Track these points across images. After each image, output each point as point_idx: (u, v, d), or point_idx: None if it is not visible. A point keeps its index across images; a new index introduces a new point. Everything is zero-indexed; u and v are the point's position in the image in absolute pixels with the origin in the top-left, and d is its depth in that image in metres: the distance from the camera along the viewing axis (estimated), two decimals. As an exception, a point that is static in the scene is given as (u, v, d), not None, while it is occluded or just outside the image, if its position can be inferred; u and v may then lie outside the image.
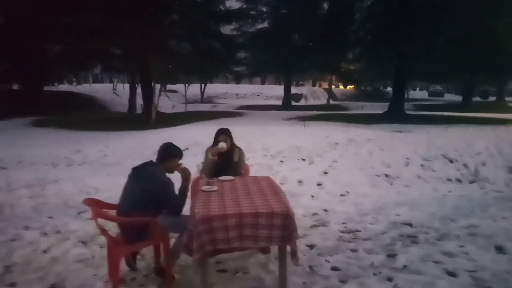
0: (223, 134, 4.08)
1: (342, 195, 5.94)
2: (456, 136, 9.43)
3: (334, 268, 3.46)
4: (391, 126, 12.50)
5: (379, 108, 20.42)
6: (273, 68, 29.52)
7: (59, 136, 11.78)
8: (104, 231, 3.11)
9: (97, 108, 24.41)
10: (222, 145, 3.94)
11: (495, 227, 4.33)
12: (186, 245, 2.70)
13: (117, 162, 7.95)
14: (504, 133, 9.77)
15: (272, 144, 8.10)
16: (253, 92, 40.93)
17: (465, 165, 7.29)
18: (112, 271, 3.03)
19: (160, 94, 17.48)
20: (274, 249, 3.38)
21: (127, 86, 22.99)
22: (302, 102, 35.60)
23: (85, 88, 31.07)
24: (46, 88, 22.11)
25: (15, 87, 22.31)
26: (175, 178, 3.34)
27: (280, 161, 7.26)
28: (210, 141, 4.34)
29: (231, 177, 3.67)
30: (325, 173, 6.83)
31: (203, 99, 34.88)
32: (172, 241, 3.26)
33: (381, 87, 46.09)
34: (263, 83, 53.71)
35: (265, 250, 3.66)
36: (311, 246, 3.94)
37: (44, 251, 3.87)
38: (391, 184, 6.58)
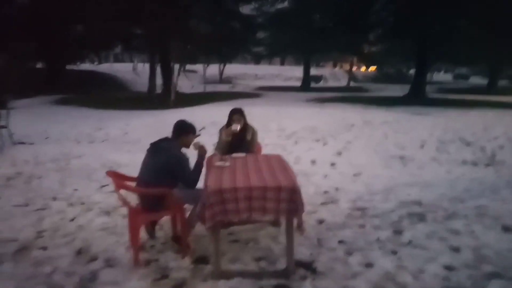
0: (237, 113, 4.23)
1: (354, 175, 6.05)
2: (475, 119, 9.34)
3: (340, 242, 3.62)
4: (411, 108, 12.40)
5: (400, 90, 20.07)
6: (292, 49, 29.25)
7: (81, 114, 12.19)
8: (125, 201, 3.34)
9: (118, 87, 24.89)
10: (235, 127, 4.09)
11: (504, 208, 4.38)
12: (199, 215, 2.90)
13: (137, 140, 8.24)
14: (525, 117, 9.60)
15: (287, 125, 8.22)
16: (272, 73, 40.70)
17: (482, 149, 7.26)
18: (132, 238, 3.27)
19: (179, 74, 17.67)
20: (284, 222, 3.56)
21: (147, 65, 23.25)
22: (322, 83, 35.31)
23: (106, 67, 31.56)
24: (69, 67, 22.61)
25: (39, 66, 22.90)
26: (192, 155, 3.54)
27: (295, 142, 7.40)
28: (226, 121, 4.49)
29: (243, 154, 3.84)
30: (339, 153, 6.93)
31: (222, 80, 34.93)
32: (188, 213, 3.48)
33: (404, 69, 45.04)
34: (282, 64, 53.25)
35: (276, 223, 3.84)
36: (320, 221, 4.11)
37: (71, 220, 4.17)
38: (404, 165, 6.63)
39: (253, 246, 3.55)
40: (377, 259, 3.25)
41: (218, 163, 3.51)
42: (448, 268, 3.10)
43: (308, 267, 3.16)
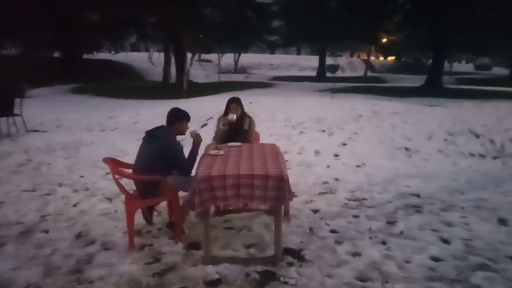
0: (234, 102, 4.28)
1: (357, 166, 6.05)
2: (488, 111, 9.15)
3: (332, 231, 3.67)
4: (424, 99, 12.22)
5: (418, 81, 19.69)
6: (307, 38, 28.95)
7: (95, 102, 12.45)
8: (121, 187, 3.46)
9: (134, 76, 25.20)
10: (232, 116, 4.15)
11: (504, 201, 4.35)
12: (189, 201, 2.99)
13: (146, 129, 8.33)
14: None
15: (294, 115, 8.23)
16: (287, 62, 40.46)
17: (491, 141, 7.14)
18: (128, 222, 3.39)
19: (191, 64, 17.77)
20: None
21: (163, 55, 23.45)
22: (338, 73, 34.88)
23: (122, 56, 31.94)
24: (85, 56, 22.97)
25: (56, 55, 23.33)
26: (189, 143, 3.63)
27: (300, 132, 7.41)
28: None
29: (238, 144, 3.90)
30: (344, 144, 6.92)
31: (236, 69, 34.95)
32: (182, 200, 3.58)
33: (424, 59, 44.05)
34: (298, 53, 52.82)
35: (271, 212, 3.91)
36: (315, 211, 4.16)
37: (74, 205, 4.33)
38: (409, 157, 6.58)
39: (245, 233, 3.63)
40: (365, 248, 3.29)
41: (212, 152, 3.59)
42: (435, 259, 3.13)
43: (296, 254, 3.22)
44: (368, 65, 40.16)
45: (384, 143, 7.02)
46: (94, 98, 13.86)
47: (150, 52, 33.97)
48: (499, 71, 39.45)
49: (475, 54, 36.15)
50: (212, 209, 4.02)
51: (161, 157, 3.36)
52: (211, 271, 2.96)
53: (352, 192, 4.78)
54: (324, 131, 7.45)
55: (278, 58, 42.41)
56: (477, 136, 7.33)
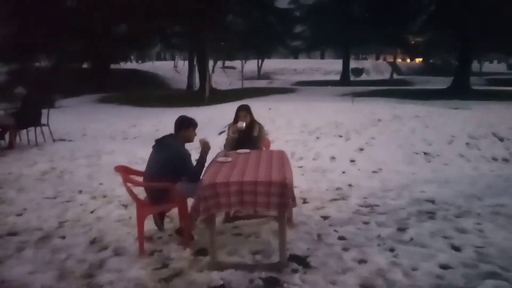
0: (243, 110, 4.35)
1: (373, 172, 5.97)
2: (515, 113, 8.82)
3: (340, 238, 3.65)
4: (449, 102, 11.87)
5: (446, 82, 19.14)
6: (330, 42, 28.85)
7: (120, 111, 12.84)
8: (132, 194, 3.58)
9: (159, 85, 25.80)
10: (241, 124, 4.21)
11: (524, 207, 4.19)
12: (194, 208, 3.06)
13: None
14: None
15: (311, 121, 8.22)
16: (311, 67, 40.34)
17: (516, 144, 6.88)
18: (138, 228, 3.50)
19: (213, 71, 18.05)
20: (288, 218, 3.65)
21: (187, 63, 23.95)
22: (363, 76, 34.45)
23: (148, 66, 32.78)
24: (113, 66, 23.74)
25: (85, 66, 24.23)
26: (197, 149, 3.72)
27: (317, 137, 7.39)
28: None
29: (247, 150, 3.96)
30: (361, 149, 6.85)
31: (260, 75, 35.16)
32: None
33: (453, 60, 42.84)
34: (322, 57, 52.55)
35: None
36: (324, 217, 4.14)
37: (92, 212, 4.50)
38: (429, 162, 6.44)
39: (253, 239, 3.67)
40: (372, 255, 3.26)
41: (220, 159, 3.66)
42: (444, 266, 3.06)
43: (302, 261, 3.23)
44: (394, 68, 39.45)
45: (403, 147, 6.90)
46: (119, 107, 14.29)
47: (175, 60, 34.70)
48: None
49: (505, 53, 34.85)
50: (222, 215, 4.10)
51: (169, 165, 3.46)
52: (216, 277, 3.01)
53: (365, 198, 4.73)
54: (341, 136, 7.40)
55: (302, 63, 42.35)
56: (501, 140, 7.09)
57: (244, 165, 3.46)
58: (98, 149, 7.48)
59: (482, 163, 6.33)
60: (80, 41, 19.66)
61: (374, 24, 20.55)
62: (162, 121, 10.14)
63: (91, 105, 14.97)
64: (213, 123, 9.01)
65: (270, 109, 9.93)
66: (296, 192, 4.75)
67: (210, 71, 17.67)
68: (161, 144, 3.59)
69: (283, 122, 8.40)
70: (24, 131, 8.03)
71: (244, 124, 4.22)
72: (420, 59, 46.28)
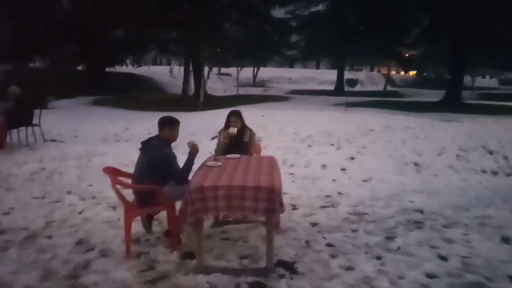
0: (234, 115, 4.36)
1: (364, 180, 6.00)
2: (504, 127, 8.92)
3: (328, 245, 3.65)
4: (441, 114, 12.01)
5: (439, 96, 19.37)
6: (325, 52, 29.09)
7: (114, 114, 12.78)
8: (120, 196, 3.55)
9: (155, 89, 25.78)
10: (232, 130, 4.22)
11: (510, 218, 4.23)
12: (181, 211, 3.05)
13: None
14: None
15: (304, 129, 8.25)
16: (306, 76, 40.62)
17: (505, 157, 6.98)
18: (125, 230, 3.48)
19: (208, 77, 18.11)
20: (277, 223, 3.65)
21: (183, 68, 23.99)
22: (358, 87, 34.68)
23: (144, 70, 32.77)
24: (108, 69, 23.71)
25: (80, 68, 24.17)
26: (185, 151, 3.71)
27: (308, 145, 7.42)
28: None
29: (237, 155, 3.96)
30: (352, 158, 6.89)
31: (255, 83, 35.31)
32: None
33: (446, 74, 43.36)
34: (317, 67, 52.94)
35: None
36: (313, 224, 4.15)
37: (79, 213, 4.46)
38: (419, 172, 6.49)
39: (241, 244, 3.66)
40: (359, 263, 3.26)
41: (210, 163, 3.66)
42: (430, 275, 3.07)
43: (289, 267, 3.22)
44: (388, 80, 39.83)
45: (394, 158, 6.94)
46: (113, 110, 14.24)
47: (171, 65, 34.74)
48: (524, 86, 38.43)
49: (497, 68, 35.41)
50: (211, 219, 4.09)
51: (154, 167, 3.45)
52: (202, 281, 3.00)
53: (354, 206, 4.74)
54: (332, 144, 7.44)
55: (297, 72, 42.63)
56: (491, 153, 7.17)
57: (233, 170, 3.46)
58: (89, 151, 7.43)
59: (471, 175, 6.39)
60: (76, 44, 19.63)
61: (367, 36, 20.78)
62: (155, 125, 9.90)
63: (84, 107, 14.91)
64: (207, 129, 9.01)
65: (263, 116, 9.96)
66: (286, 198, 4.80)
67: (205, 77, 17.70)
68: (146, 146, 3.60)
69: (276, 129, 8.43)
70: (15, 130, 7.96)
71: (235, 130, 4.23)
72: (414, 72, 46.77)
